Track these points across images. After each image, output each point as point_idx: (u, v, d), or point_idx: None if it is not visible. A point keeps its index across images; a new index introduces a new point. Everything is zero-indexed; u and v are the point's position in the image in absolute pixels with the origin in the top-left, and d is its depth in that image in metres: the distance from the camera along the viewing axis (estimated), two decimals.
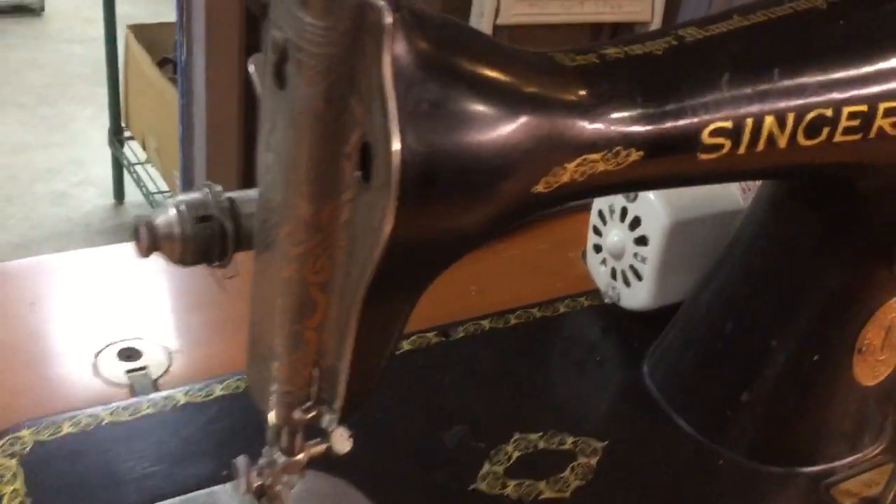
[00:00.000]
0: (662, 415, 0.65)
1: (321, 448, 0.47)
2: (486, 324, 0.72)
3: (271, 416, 0.44)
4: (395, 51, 0.34)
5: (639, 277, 0.71)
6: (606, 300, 0.75)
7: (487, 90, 0.37)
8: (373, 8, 0.33)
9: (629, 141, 0.42)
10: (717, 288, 0.64)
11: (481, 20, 1.99)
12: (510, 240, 0.86)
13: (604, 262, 0.74)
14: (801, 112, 0.45)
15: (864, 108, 0.47)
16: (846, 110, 0.46)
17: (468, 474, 0.58)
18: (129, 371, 0.63)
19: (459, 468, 0.58)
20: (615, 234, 0.72)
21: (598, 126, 0.41)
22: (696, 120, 0.43)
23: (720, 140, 0.44)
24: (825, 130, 0.46)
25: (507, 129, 0.37)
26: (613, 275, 0.74)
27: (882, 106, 0.47)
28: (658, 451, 0.63)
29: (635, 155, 0.43)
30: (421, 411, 0.63)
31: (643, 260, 0.70)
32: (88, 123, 2.94)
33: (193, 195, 0.42)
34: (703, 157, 0.44)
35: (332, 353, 0.41)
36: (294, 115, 0.35)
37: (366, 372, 0.43)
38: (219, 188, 0.42)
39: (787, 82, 0.45)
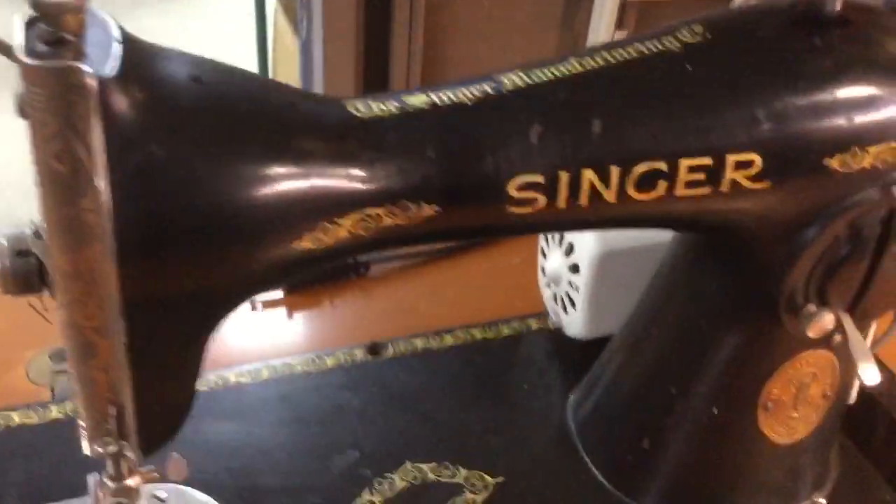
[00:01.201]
0: (574, 455, 0.63)
1: (154, 475, 0.48)
2: (419, 343, 0.72)
3: (84, 447, 0.46)
4: (113, 110, 0.34)
5: (574, 305, 0.68)
6: (551, 325, 0.73)
7: (221, 147, 0.36)
8: (76, 71, 0.33)
9: (418, 194, 0.41)
10: (628, 329, 0.61)
11: None
12: (485, 251, 0.85)
13: (549, 285, 0.72)
14: (626, 166, 0.42)
15: (707, 161, 0.43)
16: (684, 163, 0.43)
17: (344, 502, 0.58)
18: None
19: (337, 495, 0.58)
20: (555, 259, 0.69)
21: (377, 180, 0.40)
22: (498, 174, 0.41)
23: (531, 194, 0.42)
24: (662, 184, 0.43)
25: (248, 188, 0.37)
26: (556, 299, 0.71)
27: (731, 158, 0.43)
28: (557, 494, 0.61)
29: (429, 209, 0.41)
30: (319, 433, 0.63)
31: (576, 288, 0.67)
32: None
33: (17, 231, 0.44)
34: (516, 210, 0.42)
35: (119, 392, 0.42)
36: (35, 173, 0.36)
37: (160, 411, 0.43)
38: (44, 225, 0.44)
39: (610, 134, 0.42)
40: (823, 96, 0.43)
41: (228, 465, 0.60)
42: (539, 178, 0.42)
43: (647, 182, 0.43)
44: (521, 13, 1.76)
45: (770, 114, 0.43)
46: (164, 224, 0.35)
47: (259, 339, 0.74)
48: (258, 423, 0.63)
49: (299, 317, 0.76)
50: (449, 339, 0.73)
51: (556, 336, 0.72)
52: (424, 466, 0.61)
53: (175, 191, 0.35)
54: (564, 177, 0.42)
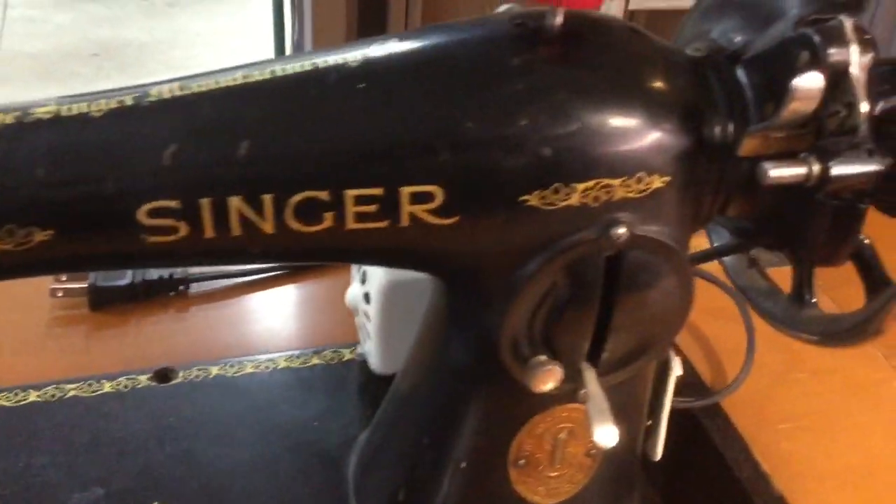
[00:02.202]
0: (337, 500, 0.58)
1: None
2: (214, 370, 0.67)
3: None
4: None
5: (369, 337, 0.63)
6: (357, 357, 0.68)
7: None
8: None
9: (28, 219, 0.36)
10: (400, 371, 0.56)
11: (611, 4, 1.89)
12: (321, 273, 0.80)
13: (354, 314, 0.67)
14: (280, 194, 0.37)
15: (378, 191, 0.38)
16: (350, 193, 0.38)
17: None
18: None
19: None
20: (354, 287, 0.64)
21: None
22: (122, 198, 0.36)
23: (168, 222, 0.37)
24: (328, 216, 0.38)
25: None
26: (358, 330, 0.66)
27: (406, 190, 0.38)
28: None
29: (42, 234, 0.36)
30: (67, 465, 0.58)
31: (370, 319, 0.62)
32: None
33: None
34: (153, 238, 0.37)
35: None
36: None
37: None
38: None
39: (260, 158, 0.37)
40: (512, 126, 0.38)
41: None
42: (174, 204, 0.37)
43: (308, 213, 0.38)
44: None
45: (450, 144, 0.38)
46: None
47: (55, 357, 0.69)
48: (4, 452, 0.59)
49: (104, 335, 0.72)
50: (249, 367, 0.68)
51: (366, 369, 0.67)
52: None
53: None
54: (206, 203, 0.37)
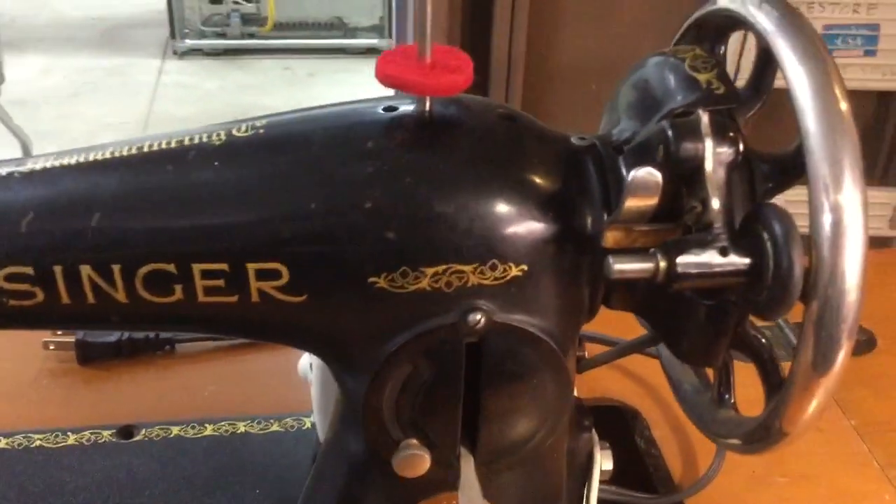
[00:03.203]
0: None
1: None
2: (175, 430, 0.69)
3: None
4: None
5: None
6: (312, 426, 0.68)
7: None
8: None
9: None
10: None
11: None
12: None
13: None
14: (128, 265, 0.39)
15: (223, 266, 0.39)
16: (197, 267, 0.39)
17: None
18: None
19: None
20: (306, 356, 0.65)
21: None
22: None
23: (24, 286, 0.39)
24: (177, 288, 0.39)
25: None
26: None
27: (252, 267, 0.39)
28: None
29: None
30: None
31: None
32: None
33: None
34: (14, 302, 0.39)
35: None
36: None
37: None
38: None
39: (109, 229, 0.39)
40: (356, 209, 0.38)
41: None
42: (28, 270, 0.39)
43: (157, 284, 0.39)
44: None
45: (293, 224, 0.39)
46: None
47: (36, 407, 0.72)
48: None
49: (87, 389, 0.75)
50: (209, 429, 0.69)
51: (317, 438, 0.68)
52: None
53: None
54: (59, 271, 0.39)
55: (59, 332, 0.76)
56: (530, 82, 1.57)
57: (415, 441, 0.44)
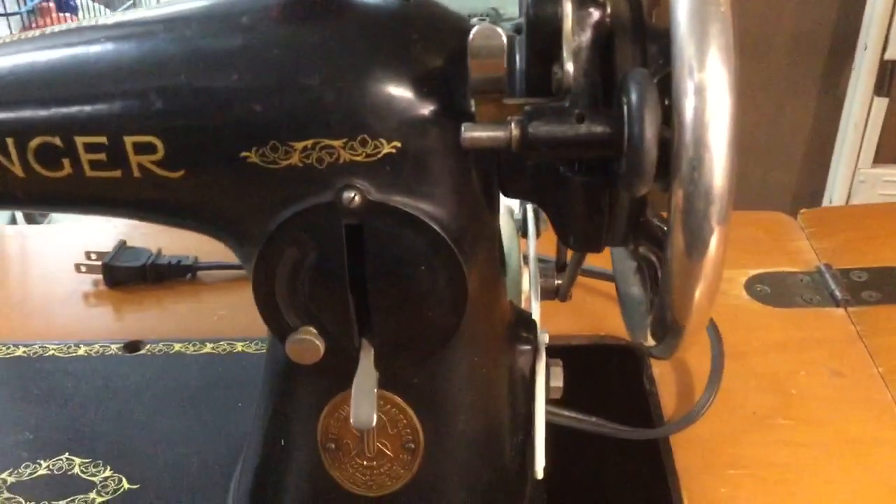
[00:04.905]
0: (222, 481, 0.59)
1: None
2: (177, 346, 0.71)
3: None
4: None
5: None
6: None
7: None
8: None
9: None
10: None
11: (865, 53, 1.81)
12: None
13: None
14: (20, 138, 0.41)
15: (102, 139, 0.40)
16: (80, 140, 0.40)
17: None
18: None
19: None
20: None
21: None
22: None
23: None
24: (65, 162, 0.41)
25: None
26: None
27: (129, 140, 0.40)
28: None
29: None
30: (18, 409, 0.65)
31: None
32: None
33: None
34: None
35: None
36: None
37: None
38: None
39: (2, 104, 0.40)
40: (223, 80, 0.39)
41: None
42: None
43: (47, 158, 0.41)
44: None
45: (165, 95, 0.39)
46: None
47: (62, 322, 0.77)
48: None
49: (112, 308, 0.79)
50: (208, 347, 0.71)
51: None
52: (78, 460, 0.61)
53: None
54: None
55: (94, 256, 0.81)
56: None
57: (312, 329, 0.44)
